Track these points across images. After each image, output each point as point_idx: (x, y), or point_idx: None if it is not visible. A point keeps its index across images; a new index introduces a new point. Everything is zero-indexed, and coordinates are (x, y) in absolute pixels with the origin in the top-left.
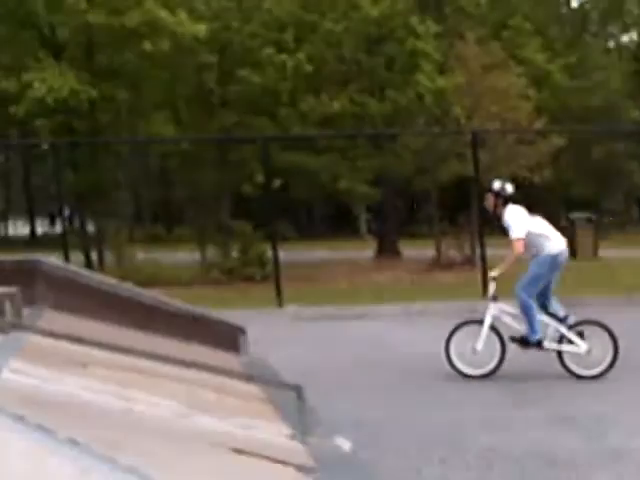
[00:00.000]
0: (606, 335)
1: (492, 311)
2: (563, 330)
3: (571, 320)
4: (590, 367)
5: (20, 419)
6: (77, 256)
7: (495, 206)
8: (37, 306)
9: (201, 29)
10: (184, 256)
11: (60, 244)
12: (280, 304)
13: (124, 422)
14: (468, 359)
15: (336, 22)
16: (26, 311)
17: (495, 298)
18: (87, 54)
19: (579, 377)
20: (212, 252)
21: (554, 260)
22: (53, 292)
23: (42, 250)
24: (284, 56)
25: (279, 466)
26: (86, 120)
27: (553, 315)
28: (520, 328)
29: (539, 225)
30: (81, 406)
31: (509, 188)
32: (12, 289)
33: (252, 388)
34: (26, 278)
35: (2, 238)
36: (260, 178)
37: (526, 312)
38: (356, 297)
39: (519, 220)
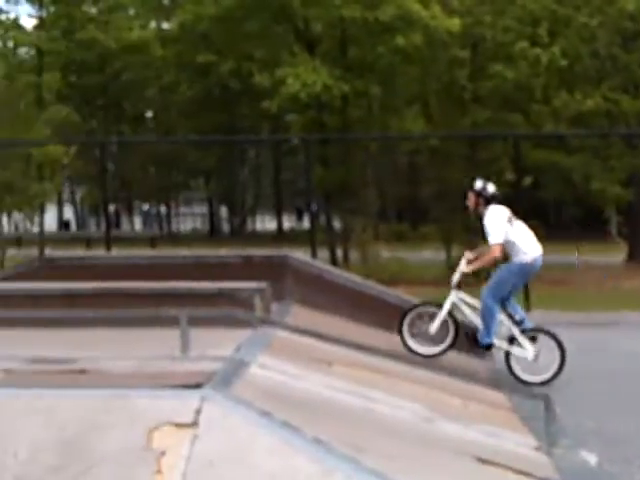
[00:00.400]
0: (554, 344)
1: (452, 298)
2: (515, 332)
3: (527, 325)
4: (534, 374)
5: (266, 415)
6: (322, 252)
7: (476, 205)
8: (285, 301)
9: (455, 23)
10: (429, 255)
11: (306, 240)
12: (527, 307)
13: (366, 423)
14: (421, 339)
15: (591, 16)
16: (275, 306)
17: (459, 286)
18: (340, 49)
19: (522, 382)
20: (458, 251)
21: (525, 268)
22: (300, 287)
23: (289, 245)
24: (538, 50)
25: (523, 478)
26: (337, 115)
27: (510, 315)
28: (477, 322)
29: (517, 231)
30: (324, 404)
31: (491, 188)
32: (262, 284)
33: (498, 395)
34: (275, 273)
35: (250, 233)
36: (510, 176)
37: (486, 317)
38: (604, 303)
39: (498, 224)
